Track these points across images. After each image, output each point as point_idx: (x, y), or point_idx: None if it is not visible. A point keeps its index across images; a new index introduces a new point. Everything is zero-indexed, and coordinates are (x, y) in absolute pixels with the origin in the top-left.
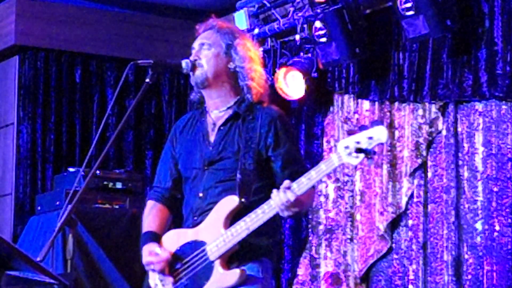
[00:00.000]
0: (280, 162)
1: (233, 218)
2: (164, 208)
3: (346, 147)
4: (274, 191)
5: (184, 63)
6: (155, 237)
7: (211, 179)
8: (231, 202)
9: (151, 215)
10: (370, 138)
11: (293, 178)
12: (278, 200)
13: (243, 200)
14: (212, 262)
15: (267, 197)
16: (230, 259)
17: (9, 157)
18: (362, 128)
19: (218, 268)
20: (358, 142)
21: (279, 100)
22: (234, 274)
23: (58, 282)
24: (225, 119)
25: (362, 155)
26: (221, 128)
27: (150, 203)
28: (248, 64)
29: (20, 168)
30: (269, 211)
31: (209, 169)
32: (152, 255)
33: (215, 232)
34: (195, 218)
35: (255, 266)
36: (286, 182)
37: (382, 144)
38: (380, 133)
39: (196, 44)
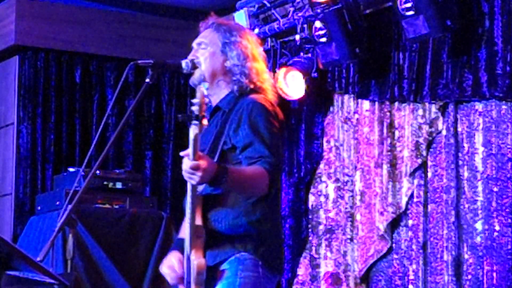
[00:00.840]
0: (240, 146)
1: (205, 210)
2: None
3: (186, 118)
4: None
5: (184, 63)
6: (182, 245)
7: None
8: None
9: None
10: (196, 103)
11: (249, 162)
12: (182, 169)
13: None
14: (189, 255)
15: None
16: (207, 252)
17: (9, 157)
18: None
19: (192, 260)
20: (191, 111)
21: (279, 100)
22: (193, 265)
23: (58, 282)
24: (209, 113)
25: (197, 122)
26: (209, 123)
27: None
28: (242, 61)
29: (20, 168)
30: (188, 185)
31: None
32: (170, 268)
33: (186, 225)
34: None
35: (234, 261)
36: (186, 151)
37: (199, 104)
38: (197, 95)
39: (194, 43)
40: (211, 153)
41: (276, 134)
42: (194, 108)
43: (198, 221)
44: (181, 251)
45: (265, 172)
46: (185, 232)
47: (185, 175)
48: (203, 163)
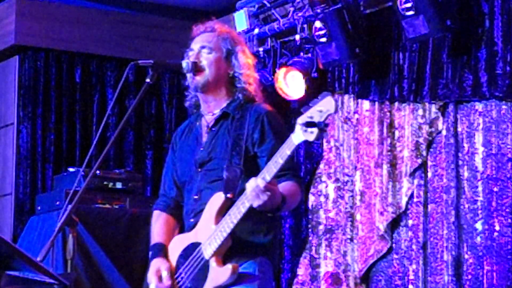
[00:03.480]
0: (266, 157)
1: (224, 214)
2: (170, 218)
3: (302, 124)
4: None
5: (185, 63)
6: (164, 250)
7: (204, 180)
8: (218, 199)
9: (158, 225)
10: (320, 111)
11: (280, 174)
12: (249, 187)
13: (228, 195)
14: (208, 260)
15: None
16: (226, 257)
17: (9, 157)
18: (314, 102)
19: (213, 266)
20: (311, 117)
21: (279, 100)
22: (226, 270)
23: (58, 282)
24: (215, 119)
25: (315, 129)
26: (212, 129)
27: (156, 213)
28: (246, 71)
29: (20, 168)
30: (246, 201)
31: (202, 170)
32: (156, 276)
33: (208, 230)
34: (191, 220)
35: (252, 265)
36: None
37: (331, 114)
38: (328, 104)
39: (195, 46)
40: (233, 158)
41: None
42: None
43: (228, 229)
44: (166, 258)
45: (298, 186)
46: (188, 239)
47: (253, 193)
48: (275, 188)
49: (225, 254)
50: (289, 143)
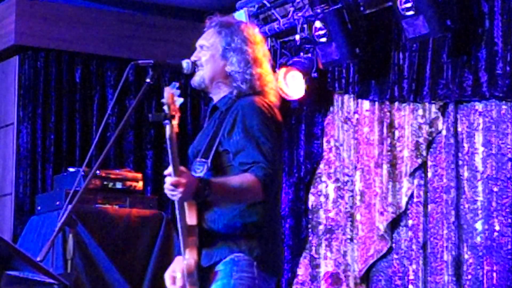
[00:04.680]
0: (231, 153)
1: (201, 210)
2: None
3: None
4: None
5: (185, 63)
6: None
7: (194, 172)
8: None
9: None
10: (166, 104)
11: (242, 168)
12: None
13: None
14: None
15: None
16: (202, 253)
17: (9, 157)
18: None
19: (185, 259)
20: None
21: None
22: (184, 264)
23: (58, 282)
24: (209, 113)
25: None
26: (208, 122)
27: None
28: (244, 69)
29: (20, 168)
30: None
31: (193, 163)
32: (171, 279)
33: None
34: None
35: (229, 262)
36: (168, 168)
37: (167, 104)
38: (165, 96)
39: (197, 44)
40: (206, 153)
41: (271, 137)
42: (165, 108)
43: (192, 221)
44: None
45: (256, 180)
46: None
47: (167, 192)
48: (183, 179)
49: (203, 248)
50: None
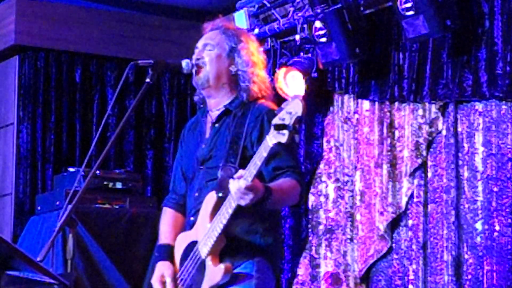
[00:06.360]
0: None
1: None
2: (179, 215)
3: (274, 126)
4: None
5: (185, 63)
6: (169, 252)
7: (204, 178)
8: (211, 198)
9: (166, 224)
10: (290, 113)
11: (276, 173)
12: (233, 188)
13: (220, 195)
14: (204, 259)
15: None
16: (224, 256)
17: (9, 157)
18: (285, 104)
19: (209, 264)
20: (282, 119)
21: (279, 100)
22: (219, 269)
23: (58, 282)
24: (217, 116)
25: (286, 131)
26: (215, 125)
27: (165, 210)
28: (250, 69)
29: (20, 168)
30: (232, 202)
31: (203, 168)
32: (159, 282)
33: (204, 229)
34: (191, 218)
35: (249, 265)
36: (240, 171)
37: (300, 117)
38: (295, 106)
39: (200, 44)
40: (229, 157)
41: (293, 142)
42: (292, 117)
43: (218, 229)
44: (171, 260)
45: (297, 184)
46: (190, 236)
47: (237, 195)
48: (258, 185)
49: (223, 253)
50: (265, 144)
